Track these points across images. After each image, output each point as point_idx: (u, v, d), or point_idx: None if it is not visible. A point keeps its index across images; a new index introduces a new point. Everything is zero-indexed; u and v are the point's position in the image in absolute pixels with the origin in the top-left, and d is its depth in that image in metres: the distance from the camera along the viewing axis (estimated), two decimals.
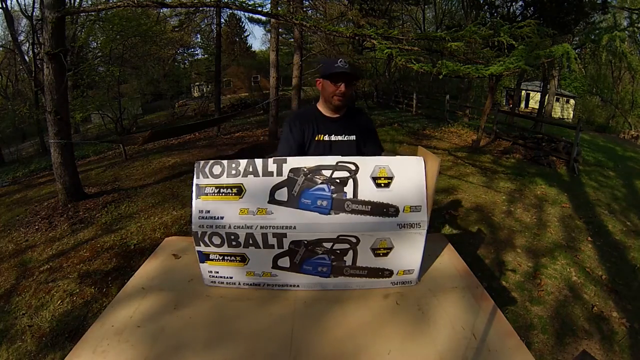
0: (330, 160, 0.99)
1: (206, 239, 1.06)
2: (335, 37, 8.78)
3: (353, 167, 0.98)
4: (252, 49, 30.37)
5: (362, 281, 1.11)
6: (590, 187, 5.46)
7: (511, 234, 3.67)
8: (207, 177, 1.01)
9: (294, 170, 0.99)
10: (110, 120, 11.91)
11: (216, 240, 1.06)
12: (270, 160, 1.00)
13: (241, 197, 1.01)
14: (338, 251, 1.05)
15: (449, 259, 1.29)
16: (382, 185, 0.99)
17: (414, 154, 1.16)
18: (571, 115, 21.76)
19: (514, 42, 3.40)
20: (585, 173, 6.20)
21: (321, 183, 0.98)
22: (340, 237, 1.02)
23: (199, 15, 12.62)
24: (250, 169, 1.00)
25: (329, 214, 0.99)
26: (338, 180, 0.99)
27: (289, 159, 1.00)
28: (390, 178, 1.00)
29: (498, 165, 6.34)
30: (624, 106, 19.20)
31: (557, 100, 20.84)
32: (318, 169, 0.99)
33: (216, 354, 0.88)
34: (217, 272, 1.12)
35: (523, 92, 21.56)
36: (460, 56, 3.56)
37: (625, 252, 3.45)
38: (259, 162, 1.00)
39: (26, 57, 13.44)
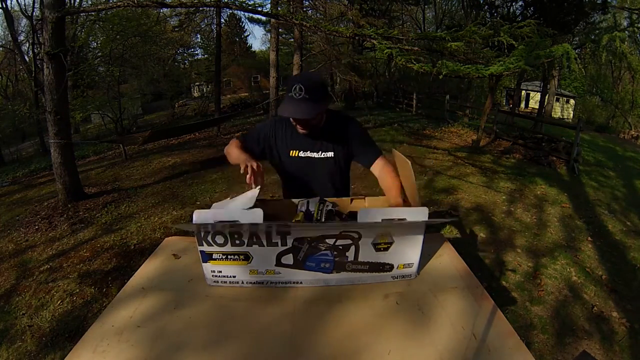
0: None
1: (209, 238, 1.08)
2: (335, 37, 8.79)
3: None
4: (252, 49, 30.39)
5: (364, 276, 1.14)
6: (590, 187, 5.46)
7: (511, 234, 3.67)
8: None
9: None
10: (110, 120, 11.93)
11: (219, 239, 1.07)
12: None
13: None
14: (341, 247, 1.08)
15: (449, 259, 1.29)
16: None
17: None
18: (571, 115, 21.77)
19: (514, 42, 3.41)
20: (585, 173, 6.20)
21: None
22: (343, 233, 1.07)
23: (199, 15, 12.63)
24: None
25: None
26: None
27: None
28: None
29: (498, 165, 6.34)
30: (624, 106, 19.20)
31: (557, 100, 20.85)
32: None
33: (216, 354, 0.88)
34: (220, 272, 1.13)
35: (523, 92, 21.55)
36: (460, 56, 3.56)
37: (625, 252, 3.46)
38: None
39: (26, 57, 13.45)
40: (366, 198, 1.39)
